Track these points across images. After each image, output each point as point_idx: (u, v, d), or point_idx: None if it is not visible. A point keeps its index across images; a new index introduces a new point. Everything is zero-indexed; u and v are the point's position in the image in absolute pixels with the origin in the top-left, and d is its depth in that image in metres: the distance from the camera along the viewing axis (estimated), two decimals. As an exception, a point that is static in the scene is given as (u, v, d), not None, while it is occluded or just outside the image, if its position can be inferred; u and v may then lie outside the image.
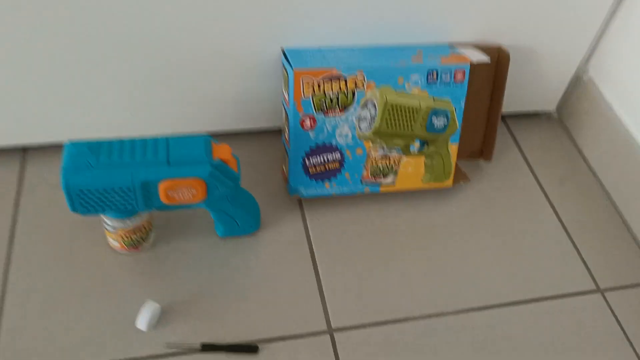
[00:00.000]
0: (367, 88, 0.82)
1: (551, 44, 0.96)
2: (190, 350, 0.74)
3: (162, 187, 0.71)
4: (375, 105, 0.83)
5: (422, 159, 0.89)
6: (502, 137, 1.06)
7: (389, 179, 0.90)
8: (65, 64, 0.80)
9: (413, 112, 0.84)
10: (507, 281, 0.86)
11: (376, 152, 0.87)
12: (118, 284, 0.79)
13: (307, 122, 0.83)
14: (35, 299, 0.77)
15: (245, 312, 0.78)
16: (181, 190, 0.72)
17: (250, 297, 0.80)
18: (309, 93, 0.80)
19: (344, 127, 0.84)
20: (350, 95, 0.82)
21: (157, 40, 0.80)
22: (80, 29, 0.77)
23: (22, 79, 0.81)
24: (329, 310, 0.80)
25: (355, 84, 0.81)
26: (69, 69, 0.81)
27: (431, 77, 0.83)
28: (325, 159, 0.86)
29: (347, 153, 0.86)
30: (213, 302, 0.79)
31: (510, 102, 1.02)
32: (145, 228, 0.79)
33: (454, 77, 0.84)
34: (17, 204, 0.86)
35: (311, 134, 0.83)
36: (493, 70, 0.92)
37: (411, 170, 0.90)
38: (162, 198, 0.73)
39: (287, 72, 0.81)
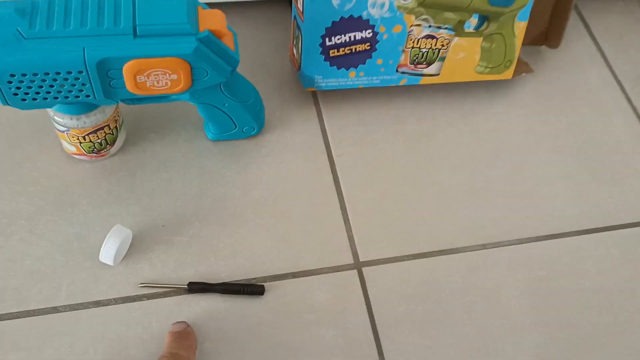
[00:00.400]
0: (415, -64, 0.58)
1: None
2: (173, 292, 0.56)
3: (127, 69, 0.50)
4: (424, -38, 0.60)
5: (479, 41, 0.67)
6: (570, 21, 0.82)
7: (433, 68, 0.68)
8: None
9: (474, -26, 0.62)
10: (576, 204, 0.67)
11: (420, 31, 0.65)
12: (76, 202, 0.59)
13: (330, -15, 0.60)
14: (-36, 220, 0.57)
15: (245, 240, 0.59)
16: (155, 74, 0.51)
17: (250, 221, 0.61)
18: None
19: (380, -6, 0.61)
20: (391, -54, 0.59)
21: None
22: None
23: None
24: (354, 239, 0.61)
25: None
26: None
27: None
28: (352, 39, 0.64)
29: (382, 30, 0.64)
30: (202, 227, 0.60)
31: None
32: (109, 128, 0.58)
33: None
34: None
35: (334, 2, 0.61)
36: None
37: (463, 56, 0.68)
38: (129, 86, 0.51)
39: None
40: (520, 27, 0.68)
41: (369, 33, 0.64)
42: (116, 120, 0.59)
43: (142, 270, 0.57)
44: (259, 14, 0.75)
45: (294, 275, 0.58)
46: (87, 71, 0.49)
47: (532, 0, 0.66)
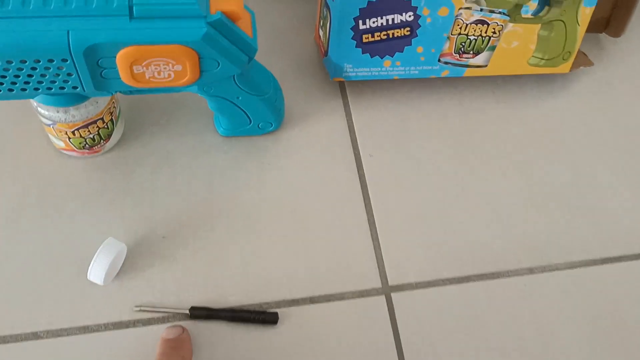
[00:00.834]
0: None
1: None
2: (173, 317, 0.48)
3: (121, 58, 0.41)
4: None
5: (536, 29, 0.58)
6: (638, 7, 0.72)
7: (481, 58, 0.59)
8: None
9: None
10: (645, 221, 0.58)
11: (470, 15, 0.55)
12: (63, 205, 0.51)
13: (368, -42, 0.51)
14: None
15: (258, 256, 0.51)
16: (155, 64, 0.42)
17: (265, 233, 0.52)
18: None
19: (426, -30, 0.52)
20: None
21: None
22: None
23: None
24: (383, 258, 0.53)
25: None
26: None
27: None
28: (390, 22, 0.55)
29: (425, 13, 0.54)
30: (209, 239, 0.51)
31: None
32: (103, 121, 0.50)
33: None
34: None
35: (372, -21, 0.51)
36: None
37: (516, 45, 0.58)
38: (124, 77, 0.42)
39: None
40: (585, 13, 0.58)
41: (410, 16, 0.54)
42: (111, 113, 0.50)
43: (138, 290, 0.49)
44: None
45: (312, 300, 0.50)
46: (72, 59, 0.40)
47: (604, -18, 0.56)
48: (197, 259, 0.50)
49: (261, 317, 0.48)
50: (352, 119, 0.59)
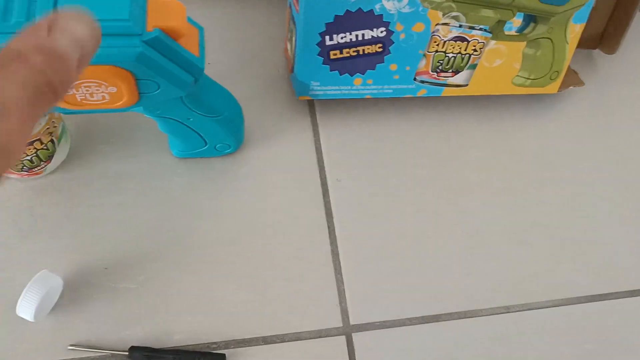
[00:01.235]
0: None
1: None
2: (110, 358, 0.44)
3: (47, 79, 0.37)
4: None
5: (521, 47, 0.53)
6: (633, 23, 0.67)
7: (461, 77, 0.54)
8: None
9: (523, -37, 0.47)
10: (636, 254, 0.53)
11: (447, 31, 0.51)
12: None
13: (333, -31, 0.46)
14: None
15: (210, 291, 0.47)
16: (85, 86, 0.38)
17: (219, 265, 0.48)
18: None
19: (398, -17, 0.48)
20: None
21: None
22: None
23: None
24: (346, 295, 0.49)
25: None
26: None
27: None
28: (360, 38, 0.50)
29: (398, 29, 0.50)
30: (156, 271, 0.48)
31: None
32: (41, 142, 0.46)
33: None
34: None
35: (339, -9, 0.47)
36: None
37: (499, 64, 0.54)
38: (52, 99, 0.39)
39: None
40: (575, 30, 0.54)
41: (382, 32, 0.50)
42: (51, 133, 0.46)
43: (74, 326, 0.45)
44: (247, 1, 0.61)
45: (265, 340, 0.46)
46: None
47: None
48: (142, 293, 0.46)
49: (206, 358, 0.44)
50: (319, 140, 0.55)
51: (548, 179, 0.56)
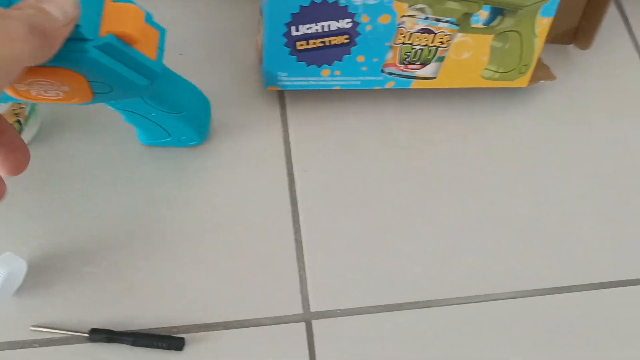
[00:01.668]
0: None
1: None
2: (72, 339, 0.45)
3: None
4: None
5: (489, 40, 0.54)
6: (607, 17, 0.67)
7: (429, 70, 0.55)
8: None
9: (486, -44, 0.48)
10: (612, 248, 0.54)
11: (413, 23, 0.51)
12: (-31, 213, 0.49)
13: (296, -40, 0.47)
14: None
15: (173, 277, 0.48)
16: (39, 84, 0.39)
17: (183, 252, 0.49)
18: None
19: (362, -26, 0.48)
20: None
21: None
22: None
23: None
24: (307, 282, 0.49)
25: None
26: None
27: None
28: (326, 29, 0.51)
29: (364, 20, 0.50)
30: (121, 256, 0.48)
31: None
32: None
33: None
34: None
35: (302, -18, 0.48)
36: None
37: (467, 57, 0.54)
38: (10, 93, 0.39)
39: None
40: (543, 24, 0.54)
41: (347, 23, 0.51)
42: (17, 114, 0.47)
43: (37, 309, 0.46)
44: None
45: (225, 325, 0.47)
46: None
47: (560, -9, 0.52)
48: (106, 278, 0.47)
49: (165, 342, 0.45)
50: (287, 131, 0.55)
51: (518, 172, 0.56)
